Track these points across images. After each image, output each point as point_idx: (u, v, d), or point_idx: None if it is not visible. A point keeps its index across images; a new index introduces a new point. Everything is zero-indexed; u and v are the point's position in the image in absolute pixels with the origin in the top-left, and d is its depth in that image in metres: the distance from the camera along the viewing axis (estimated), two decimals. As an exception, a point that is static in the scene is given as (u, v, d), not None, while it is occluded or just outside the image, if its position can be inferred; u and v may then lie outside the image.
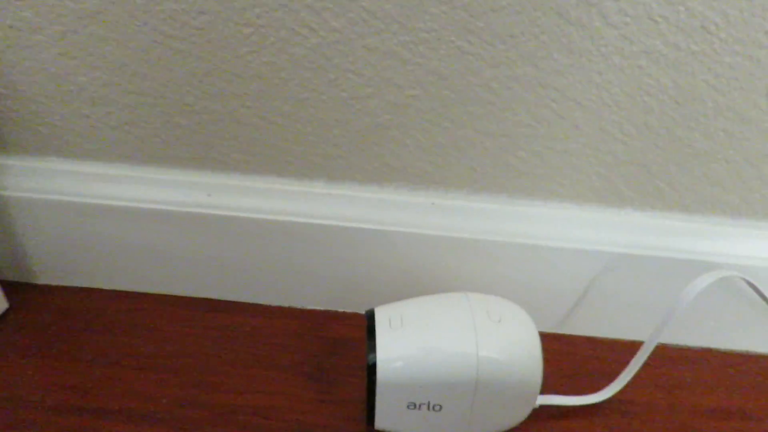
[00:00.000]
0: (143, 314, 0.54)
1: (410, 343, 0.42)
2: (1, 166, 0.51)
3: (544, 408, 0.47)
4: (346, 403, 0.48)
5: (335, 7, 0.42)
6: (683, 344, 0.54)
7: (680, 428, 0.48)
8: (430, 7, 0.41)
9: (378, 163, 0.49)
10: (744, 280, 0.48)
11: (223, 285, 0.54)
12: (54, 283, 0.56)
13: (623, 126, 0.46)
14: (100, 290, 0.56)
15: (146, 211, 0.50)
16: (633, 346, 0.49)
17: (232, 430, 0.45)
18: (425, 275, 0.51)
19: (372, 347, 0.42)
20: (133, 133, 0.49)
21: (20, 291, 0.55)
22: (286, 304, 0.55)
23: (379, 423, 0.43)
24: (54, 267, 0.55)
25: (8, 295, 0.54)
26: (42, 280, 0.56)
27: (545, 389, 0.49)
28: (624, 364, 0.49)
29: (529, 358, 0.42)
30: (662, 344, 0.54)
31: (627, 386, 0.48)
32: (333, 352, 0.52)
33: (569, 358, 0.53)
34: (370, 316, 0.44)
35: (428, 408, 0.42)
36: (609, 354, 0.53)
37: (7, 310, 0.53)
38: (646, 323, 0.52)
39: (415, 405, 0.42)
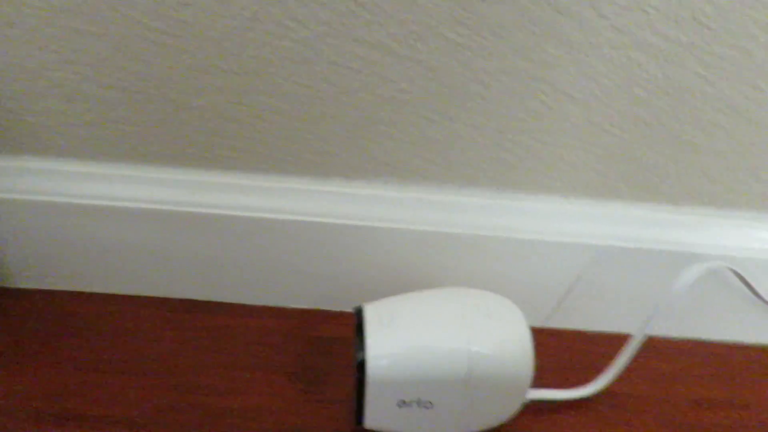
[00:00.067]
0: (123, 317, 0.53)
1: (401, 339, 0.42)
2: (-28, 165, 0.49)
3: (533, 402, 0.48)
4: (334, 403, 0.48)
5: (323, -2, 0.41)
6: (671, 336, 0.55)
7: (670, 419, 0.48)
8: (420, -2, 0.41)
9: (366, 158, 0.48)
10: (731, 270, 0.49)
11: (205, 285, 0.54)
12: (30, 286, 0.55)
13: (613, 118, 0.46)
14: (78, 293, 0.55)
15: (126, 210, 0.49)
16: (622, 339, 0.49)
17: (219, 434, 0.45)
18: (414, 271, 0.51)
19: (362, 344, 0.41)
20: (113, 130, 0.48)
21: (-6, 295, 0.54)
22: (271, 303, 0.55)
23: (368, 422, 0.43)
24: (29, 270, 0.53)
25: (-19, 300, 0.53)
26: (17, 283, 0.54)
27: (534, 383, 0.49)
28: (613, 357, 0.49)
29: (521, 353, 0.43)
30: (651, 336, 0.54)
31: (616, 379, 0.49)
32: (320, 352, 0.51)
33: (558, 352, 0.53)
34: (359, 313, 0.43)
35: (419, 405, 0.42)
36: (598, 347, 0.53)
37: (-20, 316, 0.52)
38: (635, 316, 0.52)
39: (405, 403, 0.42)
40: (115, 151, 0.49)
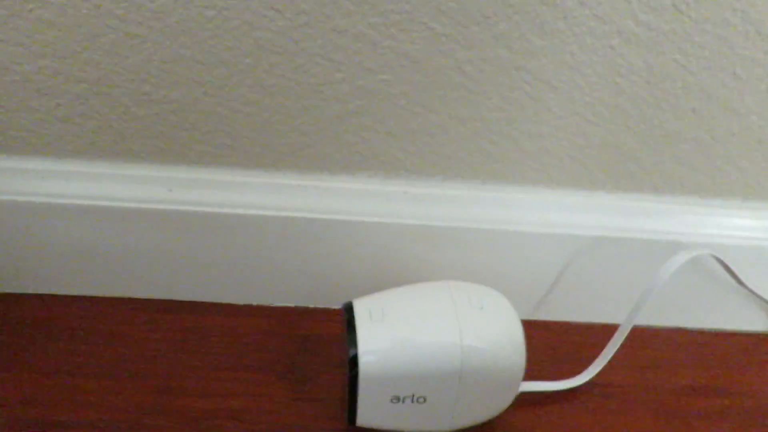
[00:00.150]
0: (101, 319, 0.52)
1: (393, 334, 0.41)
2: (-61, 165, 0.48)
3: (523, 395, 0.47)
4: (323, 401, 0.47)
5: (302, -13, 0.41)
6: (657, 325, 0.55)
7: (658, 407, 0.49)
8: (401, -13, 0.40)
9: (349, 152, 0.48)
10: (715, 258, 0.49)
11: (186, 285, 0.53)
12: (2, 290, 0.53)
13: (595, 107, 0.46)
14: (54, 296, 0.53)
15: (102, 209, 0.48)
16: (609, 329, 0.50)
17: (204, 437, 0.44)
18: (400, 266, 0.51)
19: (353, 340, 0.41)
20: (86, 125, 0.47)
21: (-36, 300, 0.53)
22: (254, 302, 0.54)
23: (361, 419, 0.43)
24: (1, 273, 0.52)
25: (-49, 306, 0.52)
26: (-11, 287, 0.53)
27: (524, 376, 0.49)
28: (601, 347, 0.49)
29: (513, 345, 0.43)
30: (637, 326, 0.54)
31: (605, 369, 0.49)
32: (306, 350, 0.51)
33: (546, 343, 0.53)
34: (348, 309, 0.43)
35: (412, 401, 0.42)
36: (585, 338, 0.54)
37: (-49, 322, 0.51)
38: (621, 305, 0.53)
39: (398, 398, 0.42)
40: (89, 148, 0.48)
